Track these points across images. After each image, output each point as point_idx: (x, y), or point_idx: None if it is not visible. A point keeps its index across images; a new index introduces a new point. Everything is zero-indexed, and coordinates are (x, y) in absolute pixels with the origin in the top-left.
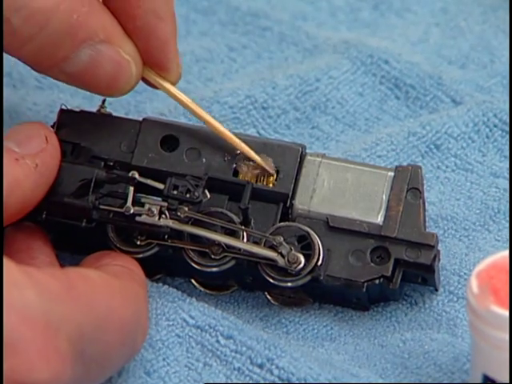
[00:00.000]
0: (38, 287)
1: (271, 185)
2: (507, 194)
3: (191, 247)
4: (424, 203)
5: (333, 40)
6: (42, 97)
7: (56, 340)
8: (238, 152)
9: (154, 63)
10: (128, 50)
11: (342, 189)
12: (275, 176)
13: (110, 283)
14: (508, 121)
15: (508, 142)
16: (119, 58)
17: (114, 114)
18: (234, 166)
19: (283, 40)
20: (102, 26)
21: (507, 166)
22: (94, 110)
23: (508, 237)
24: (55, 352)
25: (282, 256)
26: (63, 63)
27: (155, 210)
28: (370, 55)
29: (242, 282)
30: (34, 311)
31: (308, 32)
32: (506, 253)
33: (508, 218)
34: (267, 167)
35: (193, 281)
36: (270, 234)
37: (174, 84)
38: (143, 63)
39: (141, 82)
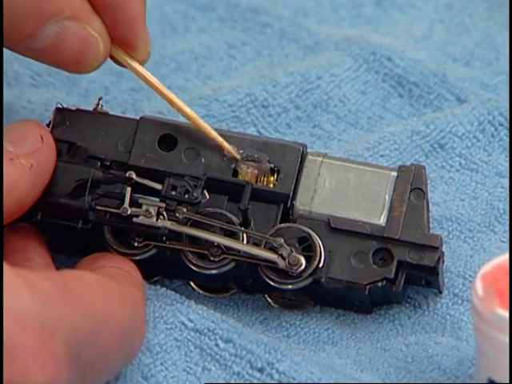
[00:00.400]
0: (33, 290)
1: (271, 185)
2: None
3: (190, 249)
4: (428, 204)
5: (334, 37)
6: (37, 95)
7: (52, 344)
8: (241, 152)
9: (122, 41)
10: (95, 26)
11: (344, 189)
12: (274, 178)
13: (106, 286)
14: None
15: None
16: (86, 35)
17: (111, 112)
18: (234, 165)
19: (284, 37)
20: (68, 2)
21: None
22: (91, 108)
23: None
24: (51, 356)
25: (283, 258)
26: (29, 39)
27: (153, 210)
28: (372, 52)
29: (241, 285)
30: (29, 315)
31: (309, 28)
32: None
33: None
34: (233, 152)
35: (191, 283)
36: (271, 236)
37: (141, 63)
38: (111, 41)
39: (138, 81)
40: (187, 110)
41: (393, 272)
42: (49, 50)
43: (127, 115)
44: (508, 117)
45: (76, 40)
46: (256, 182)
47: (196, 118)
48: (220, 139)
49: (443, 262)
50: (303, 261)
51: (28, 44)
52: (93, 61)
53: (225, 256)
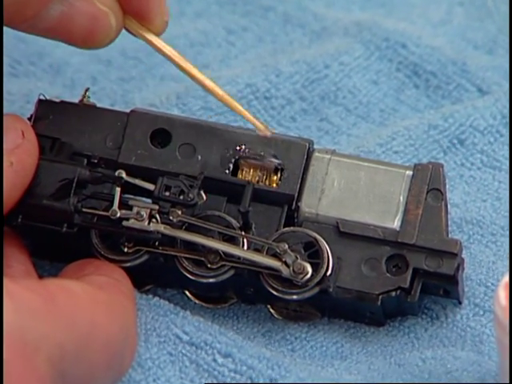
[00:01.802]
0: (15, 302)
1: (275, 185)
2: None
3: (185, 255)
4: (446, 205)
5: (344, 21)
6: (18, 85)
7: (35, 360)
8: (238, 148)
9: (136, 12)
10: (105, 0)
11: (354, 189)
12: (278, 177)
13: (94, 296)
14: None
15: None
16: (95, 11)
17: (99, 104)
18: (233, 163)
19: (288, 21)
20: None
21: None
22: (76, 100)
23: None
24: (33, 373)
25: (287, 265)
26: (33, 20)
27: (144, 213)
28: (385, 39)
29: (241, 294)
30: (10, 329)
31: (316, 12)
32: None
33: None
34: (260, 126)
35: (187, 292)
36: (274, 241)
37: (158, 35)
38: (124, 12)
39: (128, 70)
40: (210, 83)
41: (408, 281)
42: (55, 29)
43: (116, 108)
44: None
45: (84, 17)
46: (258, 181)
47: (222, 94)
48: (249, 115)
49: (463, 269)
50: (309, 268)
51: (31, 24)
52: (104, 37)
53: (223, 263)
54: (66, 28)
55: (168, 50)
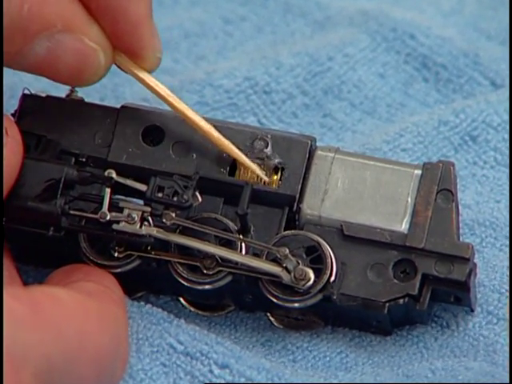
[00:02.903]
0: None
1: (275, 185)
2: None
3: (179, 260)
4: (457, 207)
5: (348, 10)
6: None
7: (20, 373)
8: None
9: (127, 48)
10: (93, 36)
11: (360, 190)
12: (278, 176)
13: (82, 304)
14: None
15: None
16: (83, 47)
17: (87, 99)
18: (230, 162)
19: (289, 11)
20: (59, 14)
21: None
22: (63, 95)
23: None
24: None
25: (288, 271)
26: (17, 56)
27: (136, 215)
28: (392, 29)
29: (239, 302)
30: None
31: (319, 1)
32: None
33: None
34: (262, 175)
35: (181, 299)
36: (274, 245)
37: (149, 72)
38: (114, 48)
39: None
40: (205, 126)
41: (416, 287)
42: (40, 66)
43: (106, 103)
44: None
45: (71, 54)
46: (256, 181)
47: (220, 139)
48: (248, 162)
49: (475, 274)
50: (311, 274)
51: (17, 60)
52: (92, 74)
53: (220, 269)
54: (52, 65)
55: (161, 88)
